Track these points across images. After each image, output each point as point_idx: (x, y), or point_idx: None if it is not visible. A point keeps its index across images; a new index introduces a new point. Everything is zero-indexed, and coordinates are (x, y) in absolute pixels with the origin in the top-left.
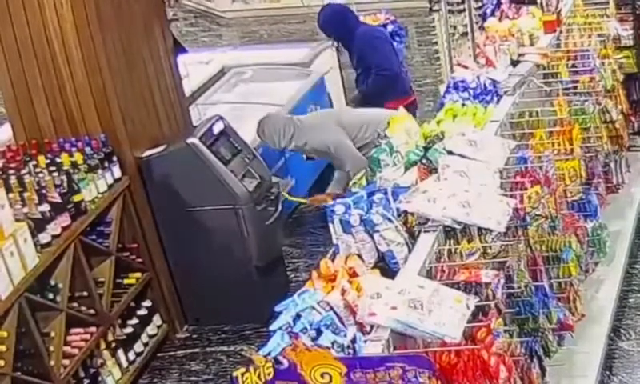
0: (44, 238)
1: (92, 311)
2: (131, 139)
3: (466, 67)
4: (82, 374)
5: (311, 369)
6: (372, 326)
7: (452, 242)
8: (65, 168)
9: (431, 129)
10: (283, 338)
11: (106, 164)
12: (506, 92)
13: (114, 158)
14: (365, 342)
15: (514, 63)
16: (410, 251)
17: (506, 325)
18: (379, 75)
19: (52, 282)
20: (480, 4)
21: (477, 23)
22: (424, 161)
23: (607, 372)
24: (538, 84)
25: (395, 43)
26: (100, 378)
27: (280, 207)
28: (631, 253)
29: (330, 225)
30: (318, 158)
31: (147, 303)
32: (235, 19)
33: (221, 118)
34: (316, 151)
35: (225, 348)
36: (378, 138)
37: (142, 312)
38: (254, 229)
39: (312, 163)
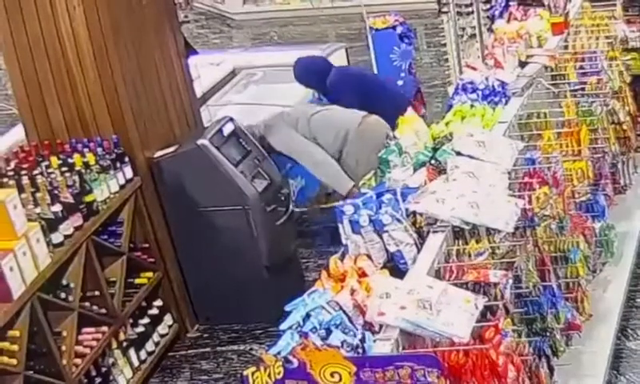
0: (56, 237)
1: (104, 311)
2: (143, 140)
3: (474, 69)
4: (93, 373)
5: (321, 368)
6: (381, 326)
7: (460, 242)
8: (77, 168)
9: (440, 130)
10: (293, 337)
11: (118, 165)
12: (514, 93)
13: (126, 159)
14: (374, 341)
15: (522, 65)
16: (418, 251)
17: (514, 324)
18: None
19: (64, 282)
20: (488, 6)
21: (485, 25)
22: (433, 161)
23: (615, 371)
24: (546, 85)
25: (404, 45)
26: (111, 377)
27: (290, 207)
28: (639, 253)
29: (340, 225)
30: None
31: (158, 303)
32: (246, 21)
33: (231, 119)
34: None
35: (235, 347)
36: (387, 138)
37: (154, 311)
38: (263, 229)
39: None
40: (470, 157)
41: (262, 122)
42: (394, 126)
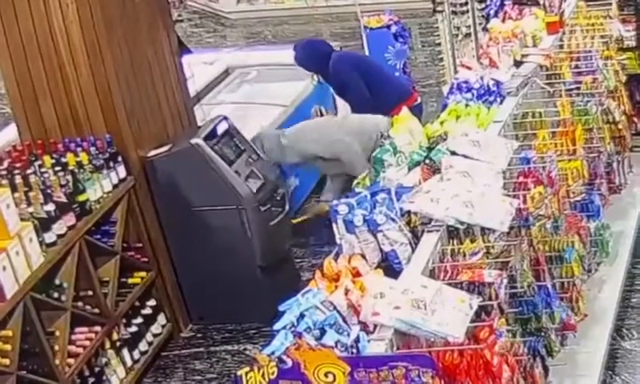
0: (49, 237)
1: (97, 310)
2: (136, 139)
3: (469, 68)
4: (86, 373)
5: (315, 368)
6: (375, 326)
7: (455, 241)
8: (70, 168)
9: (434, 129)
10: (287, 337)
11: (111, 164)
12: (509, 93)
13: (119, 158)
14: (368, 341)
15: (517, 64)
16: (413, 251)
17: (508, 324)
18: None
19: (57, 281)
20: (483, 5)
21: (480, 24)
22: (427, 161)
23: (610, 371)
24: (541, 85)
25: (399, 44)
26: (105, 377)
27: (287, 208)
28: (634, 253)
29: (334, 224)
30: (318, 166)
31: (152, 302)
32: (240, 20)
33: (225, 118)
34: (314, 158)
35: (229, 347)
36: (382, 138)
37: (147, 311)
38: (257, 229)
39: None
40: (465, 156)
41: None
42: (396, 108)
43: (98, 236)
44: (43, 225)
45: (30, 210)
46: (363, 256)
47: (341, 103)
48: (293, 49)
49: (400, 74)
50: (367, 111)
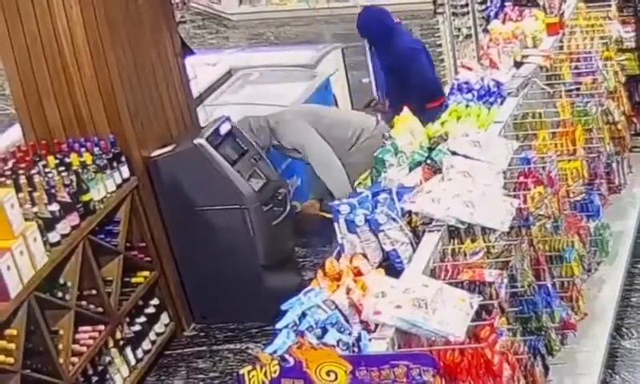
0: (53, 237)
1: (100, 309)
2: (139, 140)
3: (469, 69)
4: (90, 372)
5: (317, 367)
6: (377, 325)
7: (456, 241)
8: (74, 168)
9: (435, 130)
10: (289, 336)
11: (115, 164)
12: (509, 93)
13: (123, 159)
14: (370, 340)
15: (518, 65)
16: (414, 250)
17: (509, 323)
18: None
19: (61, 281)
20: (484, 6)
21: (480, 25)
22: (428, 161)
23: (609, 370)
24: (541, 85)
25: None
26: (108, 376)
27: (288, 207)
28: (633, 252)
29: (335, 224)
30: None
31: (155, 301)
32: (242, 21)
33: (228, 118)
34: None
35: (231, 346)
36: (383, 138)
37: (150, 310)
38: (260, 228)
39: None
40: (466, 156)
41: (269, 116)
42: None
43: (102, 236)
44: (47, 225)
45: (34, 209)
46: (365, 255)
47: (341, 103)
48: (358, 15)
49: None
50: (423, 93)
